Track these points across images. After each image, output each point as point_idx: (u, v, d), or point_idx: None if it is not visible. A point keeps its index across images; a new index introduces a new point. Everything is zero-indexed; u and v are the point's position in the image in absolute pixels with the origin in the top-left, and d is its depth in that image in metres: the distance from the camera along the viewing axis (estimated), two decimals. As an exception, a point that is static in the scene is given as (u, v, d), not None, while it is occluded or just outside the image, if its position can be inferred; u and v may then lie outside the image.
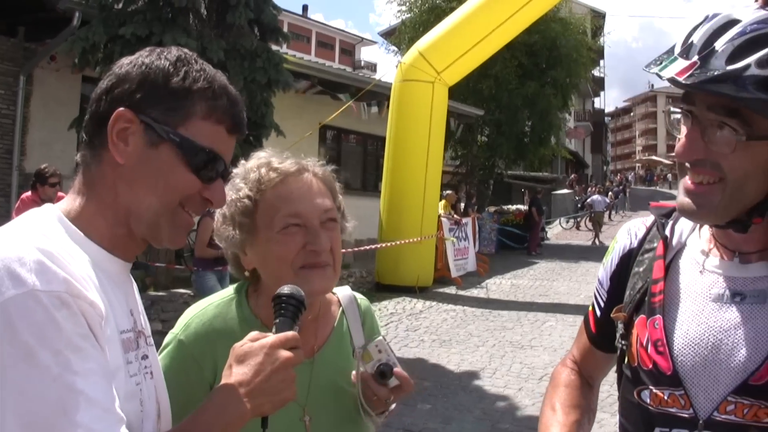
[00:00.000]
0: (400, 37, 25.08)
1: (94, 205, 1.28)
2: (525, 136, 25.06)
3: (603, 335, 1.70)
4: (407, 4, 24.69)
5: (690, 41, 1.36)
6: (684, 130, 1.40)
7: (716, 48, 1.30)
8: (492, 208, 23.39)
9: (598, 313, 1.72)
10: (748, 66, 1.27)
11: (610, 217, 35.98)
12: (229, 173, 1.44)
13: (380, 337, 1.80)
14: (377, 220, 14.68)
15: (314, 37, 62.08)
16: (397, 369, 1.72)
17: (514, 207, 24.60)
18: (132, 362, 1.25)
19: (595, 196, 29.49)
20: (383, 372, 1.74)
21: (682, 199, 1.42)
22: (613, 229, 30.46)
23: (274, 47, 12.10)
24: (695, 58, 1.32)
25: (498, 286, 15.69)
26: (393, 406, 1.79)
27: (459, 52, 13.40)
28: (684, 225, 1.60)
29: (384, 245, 13.84)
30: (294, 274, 1.65)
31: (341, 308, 1.93)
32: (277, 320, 1.41)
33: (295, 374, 1.34)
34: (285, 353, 1.32)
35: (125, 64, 1.31)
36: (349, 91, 16.14)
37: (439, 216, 15.54)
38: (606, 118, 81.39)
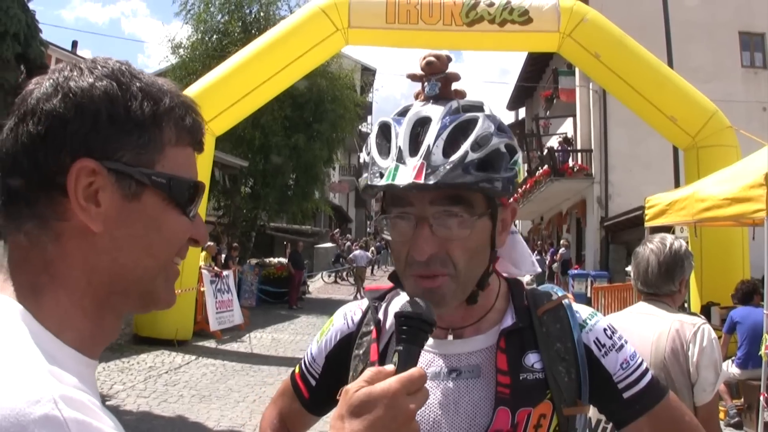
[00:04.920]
0: (168, 80, 24.44)
1: (65, 296, 0.95)
2: (289, 189, 25.21)
3: (317, 403, 1.77)
4: (180, 49, 24.22)
5: (397, 148, 1.42)
6: (407, 231, 1.44)
7: (430, 146, 1.38)
8: (253, 261, 23.16)
9: (313, 383, 1.76)
10: (466, 153, 1.37)
11: (372, 272, 36.91)
12: None
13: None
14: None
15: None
16: None
17: (275, 260, 24.51)
18: None
19: (357, 252, 30.18)
20: None
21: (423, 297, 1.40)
22: (375, 284, 31.17)
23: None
24: (417, 160, 1.38)
25: (259, 340, 15.46)
26: None
27: (229, 101, 13.17)
28: (397, 306, 1.62)
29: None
30: None
31: None
32: (400, 347, 1.17)
33: (419, 426, 1.12)
34: (410, 405, 1.07)
35: (48, 95, 0.96)
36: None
37: (200, 268, 15.17)
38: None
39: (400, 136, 1.43)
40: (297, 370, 1.81)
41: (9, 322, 0.89)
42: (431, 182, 1.35)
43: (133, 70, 1.04)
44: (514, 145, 1.47)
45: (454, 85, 1.55)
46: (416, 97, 1.57)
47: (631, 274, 3.62)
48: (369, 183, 1.45)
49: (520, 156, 1.49)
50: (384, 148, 1.46)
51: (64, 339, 0.94)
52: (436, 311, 1.41)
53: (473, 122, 1.42)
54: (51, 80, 0.99)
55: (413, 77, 1.57)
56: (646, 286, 3.47)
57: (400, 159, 1.41)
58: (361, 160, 1.54)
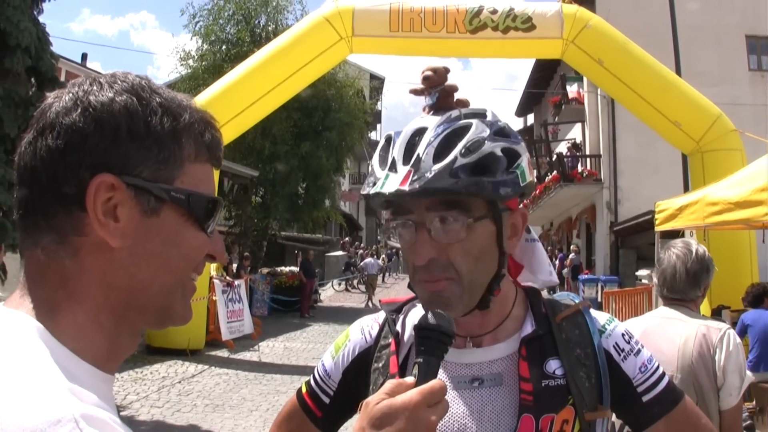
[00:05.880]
0: (177, 91, 24.44)
1: (82, 312, 0.94)
2: (299, 198, 25.23)
3: (331, 421, 1.75)
4: (188, 59, 24.29)
5: (392, 158, 1.46)
6: (410, 238, 1.47)
7: (420, 154, 1.41)
8: (265, 270, 23.19)
9: (327, 400, 1.73)
10: (455, 158, 1.39)
11: (383, 279, 36.87)
12: None
13: None
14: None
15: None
16: None
17: (287, 269, 24.51)
18: None
19: (368, 259, 30.20)
20: None
21: (430, 301, 1.46)
22: (386, 291, 31.21)
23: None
24: (407, 167, 1.42)
25: (271, 349, 15.48)
26: None
27: (235, 111, 13.16)
28: (415, 318, 1.64)
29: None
30: None
31: None
32: (420, 359, 1.17)
33: None
34: (431, 416, 1.08)
35: (67, 109, 0.96)
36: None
37: (211, 278, 15.22)
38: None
39: (396, 146, 1.47)
40: (305, 389, 1.78)
41: (27, 339, 0.88)
42: (416, 187, 1.38)
43: (152, 85, 1.03)
44: (514, 148, 1.47)
45: (457, 95, 1.59)
46: (424, 110, 1.61)
47: (655, 280, 3.61)
48: (362, 192, 1.51)
49: (524, 159, 1.49)
50: (384, 159, 1.50)
51: (81, 355, 0.92)
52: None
53: (466, 128, 1.45)
54: (70, 94, 0.98)
55: (415, 92, 1.62)
56: (672, 292, 3.48)
57: (393, 168, 1.45)
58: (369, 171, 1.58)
